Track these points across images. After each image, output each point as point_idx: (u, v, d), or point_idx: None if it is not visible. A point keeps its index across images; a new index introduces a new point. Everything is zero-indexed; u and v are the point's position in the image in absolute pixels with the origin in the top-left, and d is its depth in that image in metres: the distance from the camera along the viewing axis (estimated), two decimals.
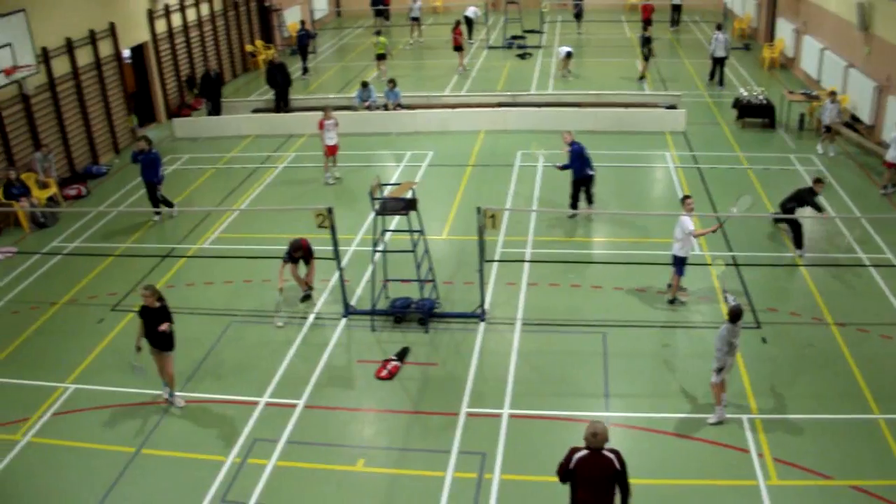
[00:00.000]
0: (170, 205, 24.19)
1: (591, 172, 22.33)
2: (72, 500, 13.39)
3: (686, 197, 17.95)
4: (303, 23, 42.37)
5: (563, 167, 22.44)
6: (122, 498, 13.31)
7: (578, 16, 49.11)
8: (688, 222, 17.35)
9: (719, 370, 14.10)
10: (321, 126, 25.58)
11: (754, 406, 14.77)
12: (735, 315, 13.84)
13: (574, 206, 22.58)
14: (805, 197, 19.94)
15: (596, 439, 10.41)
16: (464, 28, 42.39)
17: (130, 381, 15.80)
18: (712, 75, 36.47)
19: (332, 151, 25.95)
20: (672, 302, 18.29)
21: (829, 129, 26.90)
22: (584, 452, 10.49)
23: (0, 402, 15.97)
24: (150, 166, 23.35)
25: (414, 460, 13.84)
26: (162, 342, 15.01)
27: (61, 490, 13.61)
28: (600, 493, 10.54)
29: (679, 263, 17.84)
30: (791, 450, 13.67)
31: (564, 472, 10.59)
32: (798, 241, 20.12)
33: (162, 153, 27.75)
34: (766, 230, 21.59)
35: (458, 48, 39.89)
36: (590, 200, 22.90)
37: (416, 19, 48.00)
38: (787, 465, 13.32)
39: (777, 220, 21.32)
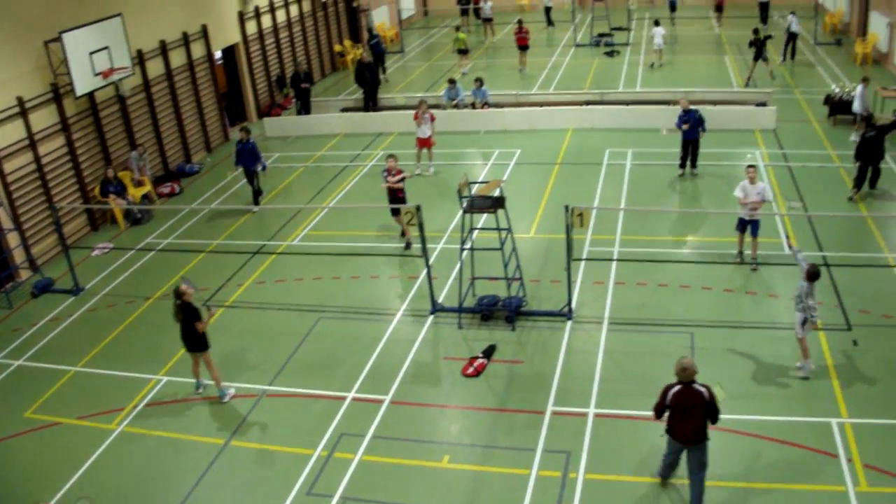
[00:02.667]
0: (258, 197, 25.06)
1: (697, 136, 24.70)
2: (162, 489, 13.72)
3: (750, 166, 19.47)
4: (370, 30, 42.61)
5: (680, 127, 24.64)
6: (210, 488, 13.62)
7: (673, 7, 49.07)
8: (743, 186, 19.26)
9: (803, 323, 14.86)
10: (416, 118, 25.91)
11: (844, 410, 14.46)
12: (812, 275, 14.72)
13: (682, 165, 25.06)
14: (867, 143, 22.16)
15: (686, 373, 11.92)
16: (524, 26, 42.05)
17: (222, 374, 16.13)
18: (785, 54, 38.10)
19: (423, 144, 26.29)
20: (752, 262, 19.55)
21: (864, 117, 26.33)
22: (677, 387, 12.00)
23: (95, 392, 16.48)
24: (247, 155, 24.37)
25: (499, 458, 13.86)
26: (194, 342, 15.46)
27: (152, 479, 13.98)
28: (696, 420, 11.96)
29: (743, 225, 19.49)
30: (882, 455, 13.32)
31: (662, 409, 12.14)
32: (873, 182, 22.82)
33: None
34: (856, 230, 21.11)
35: (524, 47, 39.91)
36: (693, 163, 25.08)
37: (488, 20, 48.09)
38: (878, 472, 13.00)
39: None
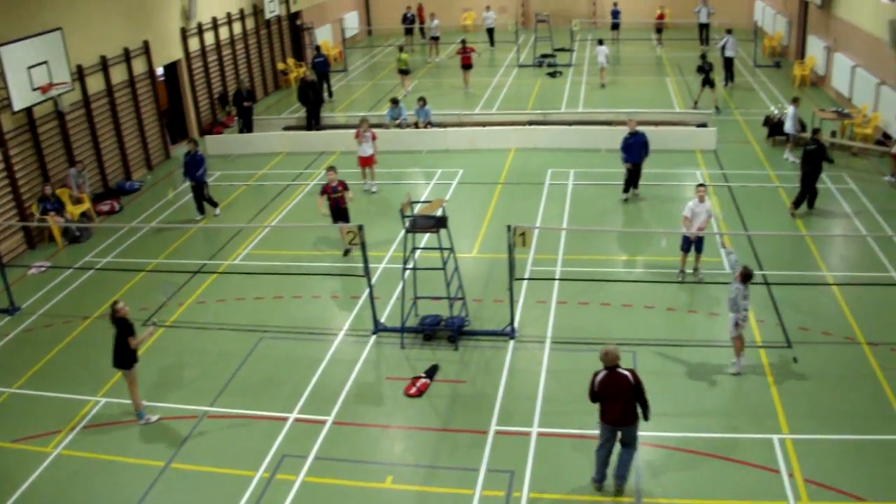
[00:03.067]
0: (214, 204, 25.32)
1: (640, 160, 24.78)
2: None
3: (700, 185, 19.74)
4: (318, 48, 42.51)
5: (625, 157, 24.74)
6: None
7: (615, 26, 50.11)
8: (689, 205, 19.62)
9: (735, 324, 15.75)
10: (357, 136, 25.95)
11: (785, 426, 14.65)
12: (745, 276, 15.58)
13: (626, 189, 25.01)
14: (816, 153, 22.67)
15: (607, 357, 12.61)
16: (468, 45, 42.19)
17: (160, 394, 15.96)
18: (725, 78, 38.72)
19: (364, 163, 26.35)
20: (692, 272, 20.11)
21: (789, 136, 27.83)
22: (602, 373, 12.70)
23: (32, 414, 16.14)
24: (195, 166, 24.61)
25: (442, 478, 13.81)
26: (122, 358, 15.23)
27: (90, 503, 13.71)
28: (622, 406, 12.65)
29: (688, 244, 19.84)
30: (822, 470, 13.52)
31: (593, 394, 12.83)
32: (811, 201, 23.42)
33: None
34: (795, 248, 21.47)
35: (468, 66, 40.16)
36: (636, 185, 25.14)
37: (435, 38, 48.29)
38: (818, 486, 13.18)
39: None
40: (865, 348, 16.95)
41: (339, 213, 21.93)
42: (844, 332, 17.56)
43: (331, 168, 22.01)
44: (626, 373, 12.64)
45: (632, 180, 24.95)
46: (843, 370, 16.30)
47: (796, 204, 23.26)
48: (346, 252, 22.01)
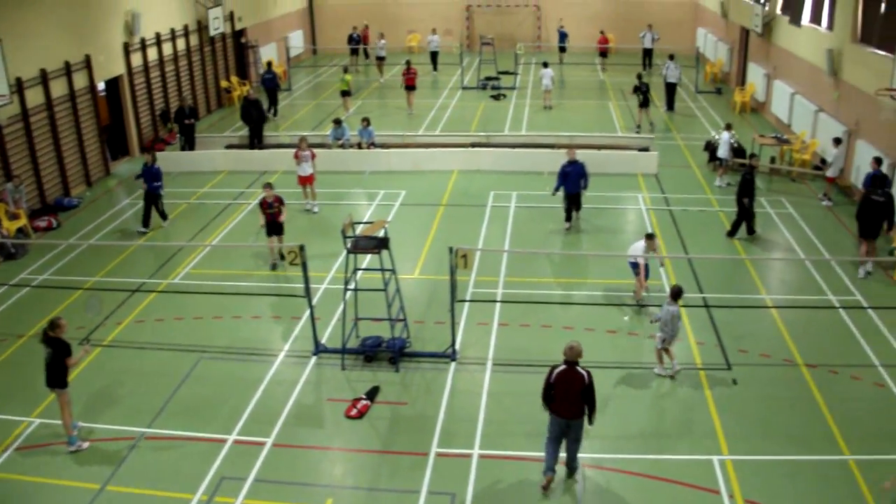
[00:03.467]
0: (164, 217, 25.64)
1: (579, 190, 24.59)
2: None
3: (650, 235, 19.60)
4: (269, 64, 42.34)
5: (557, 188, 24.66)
6: None
7: (563, 49, 50.37)
8: (636, 248, 19.60)
9: (662, 341, 16.61)
10: (297, 156, 25.85)
11: (725, 447, 14.82)
12: (676, 294, 16.52)
13: (568, 218, 24.77)
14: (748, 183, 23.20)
15: (572, 352, 13.35)
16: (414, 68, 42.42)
17: (96, 415, 15.68)
18: (645, 65, 41.37)
19: (304, 182, 26.29)
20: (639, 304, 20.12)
21: (723, 161, 28.58)
22: (561, 367, 13.42)
23: None
24: (151, 177, 24.84)
25: (383, 501, 13.74)
26: (56, 378, 14.92)
27: None
28: (572, 403, 13.38)
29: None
30: (762, 491, 13.70)
31: (547, 387, 13.50)
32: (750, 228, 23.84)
33: (133, 187, 27.92)
34: (737, 272, 21.76)
35: (411, 88, 40.32)
36: (577, 209, 24.97)
37: (381, 59, 48.37)
38: None
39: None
40: (804, 370, 17.25)
41: (274, 227, 22.23)
42: (783, 354, 17.84)
43: (267, 184, 22.17)
44: (583, 372, 13.37)
45: (571, 207, 24.77)
46: (782, 392, 16.57)
47: (732, 231, 23.86)
48: (274, 266, 22.54)
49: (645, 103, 35.42)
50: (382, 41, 48.50)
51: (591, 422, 13.59)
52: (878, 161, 23.05)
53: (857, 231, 22.03)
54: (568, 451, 13.97)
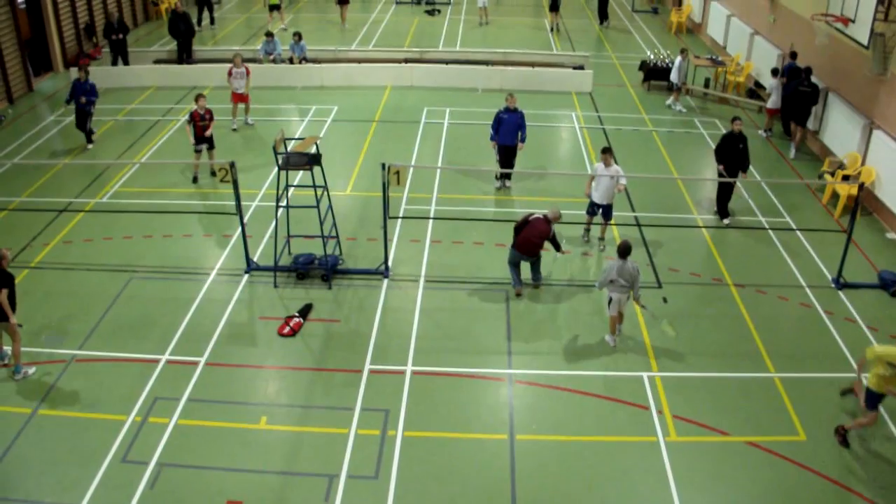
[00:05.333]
0: (89, 136, 24.87)
1: (511, 143, 21.60)
2: None
3: (604, 150, 18.88)
4: None
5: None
6: (18, 460, 12.95)
7: None
8: (597, 168, 18.77)
9: (609, 302, 15.29)
10: (230, 74, 25.45)
11: (654, 364, 15.12)
12: (622, 251, 14.97)
13: (499, 176, 22.33)
14: (737, 148, 20.01)
15: (553, 213, 17.04)
16: None
17: (25, 339, 15.40)
18: (601, 18, 40.98)
19: (238, 99, 25.86)
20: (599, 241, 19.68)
21: (678, 87, 28.34)
22: (536, 216, 17.02)
23: None
24: (84, 93, 24.22)
25: (317, 418, 13.81)
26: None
27: None
28: (535, 244, 16.91)
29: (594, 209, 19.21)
30: (690, 407, 14.04)
31: (521, 223, 17.07)
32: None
33: (57, 104, 27.26)
34: (670, 192, 21.94)
35: (344, 2, 39.84)
36: (508, 175, 22.26)
37: None
38: (687, 422, 13.68)
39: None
40: (732, 289, 17.58)
41: (204, 140, 22.26)
42: (712, 274, 18.16)
43: (200, 96, 22.05)
44: (550, 228, 16.92)
45: (504, 164, 21.87)
46: (711, 310, 16.91)
47: (721, 211, 20.66)
48: (195, 179, 22.55)
49: (554, 7, 37.52)
50: None
51: (558, 250, 17.48)
52: (793, 55, 25.56)
53: (789, 121, 24.95)
54: (533, 272, 17.44)
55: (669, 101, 28.50)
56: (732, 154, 19.91)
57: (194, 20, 39.37)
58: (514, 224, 17.19)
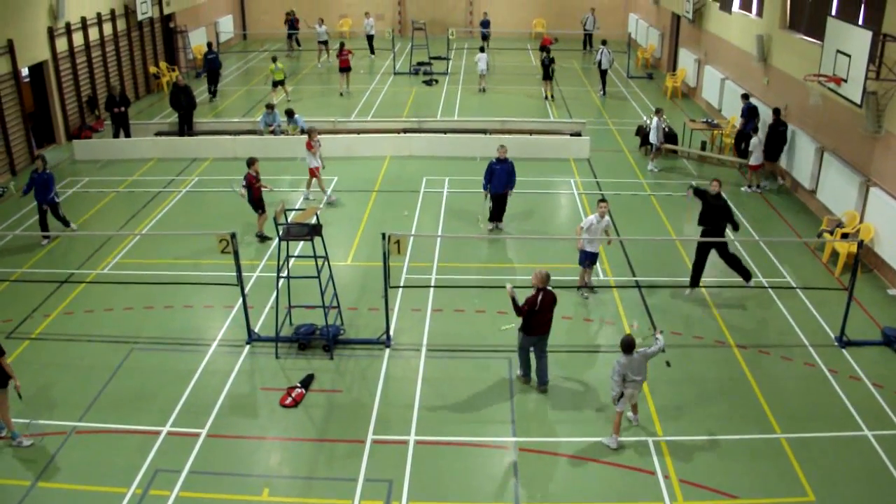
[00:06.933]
0: (66, 224, 23.86)
1: (501, 190, 23.25)
2: None
3: (601, 200, 19.43)
4: (210, 45, 42.06)
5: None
6: None
7: (485, 37, 50.53)
8: (590, 219, 19.32)
9: (618, 398, 14.46)
10: (310, 146, 25.43)
11: (659, 429, 15.03)
12: (626, 346, 14.22)
13: (492, 218, 23.74)
14: (722, 211, 19.58)
15: (543, 278, 15.46)
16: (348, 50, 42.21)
17: (26, 410, 15.36)
18: (585, 47, 44.95)
19: (314, 173, 25.85)
20: (588, 289, 20.03)
21: (657, 147, 28.89)
22: (542, 293, 15.41)
23: None
24: (42, 186, 22.94)
25: (320, 489, 13.69)
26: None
27: None
28: (548, 322, 15.79)
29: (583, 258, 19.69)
30: (697, 471, 13.93)
31: (530, 310, 15.41)
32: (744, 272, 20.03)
33: (60, 175, 27.55)
34: (669, 255, 22.01)
35: (346, 69, 40.37)
36: (500, 217, 23.78)
37: (323, 42, 48.22)
38: (694, 487, 13.57)
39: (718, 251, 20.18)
40: (735, 351, 17.57)
41: (258, 203, 23.16)
42: (714, 336, 18.14)
43: (254, 160, 22.92)
44: (553, 292, 15.66)
45: (497, 210, 23.57)
46: (715, 372, 16.87)
47: (692, 281, 19.98)
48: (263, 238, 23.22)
49: (546, 76, 38.10)
50: (323, 27, 48.49)
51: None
52: (745, 96, 29.13)
53: (760, 158, 26.59)
54: (540, 372, 16.13)
55: (650, 165, 28.90)
56: (713, 213, 19.62)
57: (204, 91, 40.06)
58: (516, 305, 15.44)
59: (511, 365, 17.01)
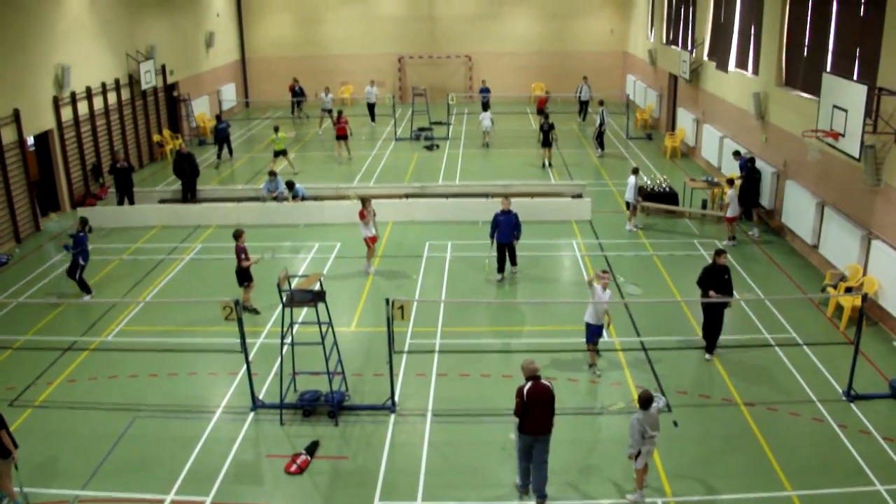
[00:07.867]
0: (88, 291, 24.16)
1: (507, 241, 24.18)
2: None
3: (603, 271, 19.19)
4: (218, 116, 42.65)
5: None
6: None
7: (486, 105, 50.70)
8: (596, 291, 18.79)
9: (636, 456, 14.38)
10: (362, 217, 25.28)
11: (668, 489, 14.90)
12: (644, 401, 14.14)
13: (500, 269, 24.55)
14: (722, 279, 19.39)
15: (532, 368, 14.02)
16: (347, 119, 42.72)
17: (28, 478, 15.28)
18: (581, 114, 47.30)
19: (372, 241, 25.74)
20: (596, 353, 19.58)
21: (633, 206, 29.07)
22: (529, 384, 13.93)
23: None
24: (84, 246, 23.92)
25: None
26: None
27: None
28: (545, 412, 14.01)
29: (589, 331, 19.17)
30: None
31: (522, 406, 13.90)
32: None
33: (64, 243, 27.41)
34: (673, 315, 22.01)
35: (342, 137, 40.66)
36: (513, 262, 24.71)
37: (328, 111, 48.71)
38: None
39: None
40: (743, 408, 17.48)
41: (244, 274, 22.68)
42: (721, 394, 18.08)
43: (241, 232, 22.44)
44: (548, 383, 14.14)
45: (503, 259, 24.42)
46: (723, 431, 16.76)
47: (708, 348, 19.88)
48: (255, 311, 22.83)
49: (545, 143, 38.03)
50: (329, 95, 49.32)
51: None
52: (737, 153, 30.20)
53: (750, 207, 28.49)
54: (537, 482, 14.39)
55: (628, 225, 29.17)
56: (716, 285, 19.36)
57: (209, 157, 40.44)
58: (513, 406, 14.32)
59: (517, 427, 16.87)
